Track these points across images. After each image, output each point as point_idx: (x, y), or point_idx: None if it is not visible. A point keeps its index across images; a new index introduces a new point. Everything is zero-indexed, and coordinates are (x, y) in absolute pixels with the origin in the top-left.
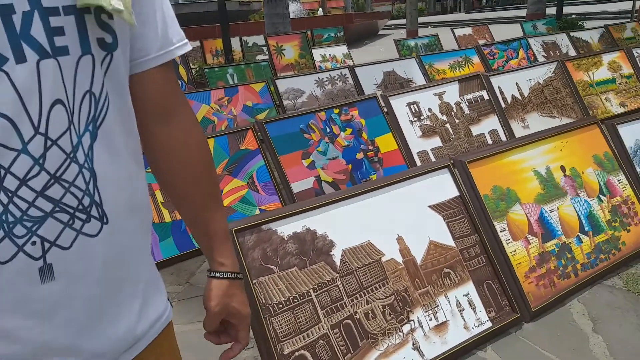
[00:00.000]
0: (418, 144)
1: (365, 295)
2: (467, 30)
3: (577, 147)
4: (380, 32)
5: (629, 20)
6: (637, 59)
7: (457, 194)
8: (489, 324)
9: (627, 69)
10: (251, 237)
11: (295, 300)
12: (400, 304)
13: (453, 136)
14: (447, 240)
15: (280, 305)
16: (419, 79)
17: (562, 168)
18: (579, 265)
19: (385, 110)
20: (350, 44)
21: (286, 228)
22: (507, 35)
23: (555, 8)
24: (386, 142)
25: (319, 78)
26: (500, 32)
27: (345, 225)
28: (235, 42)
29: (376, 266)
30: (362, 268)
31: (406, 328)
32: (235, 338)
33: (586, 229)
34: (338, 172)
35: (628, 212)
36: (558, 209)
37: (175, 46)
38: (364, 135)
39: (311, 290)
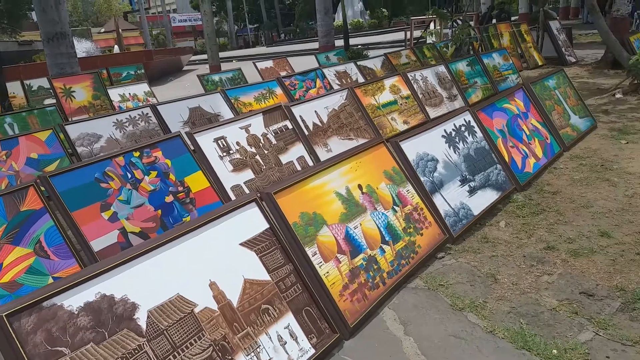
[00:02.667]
0: (230, 178)
1: (179, 354)
2: (269, 63)
3: (369, 166)
4: (185, 68)
5: (404, 47)
6: (412, 82)
7: (267, 226)
8: (312, 351)
9: (405, 91)
10: (29, 319)
11: None
12: (220, 355)
13: (264, 167)
14: (262, 275)
15: None
16: (227, 113)
17: (360, 186)
18: (385, 274)
19: (192, 148)
20: (153, 82)
21: (75, 300)
22: (305, 66)
23: (342, 40)
24: (197, 181)
25: (117, 119)
26: (299, 63)
27: (149, 282)
28: (15, 87)
29: (189, 320)
30: (173, 325)
31: None
32: None
33: (387, 239)
34: (146, 220)
35: (419, 217)
36: (361, 224)
37: None
38: (172, 177)
39: None
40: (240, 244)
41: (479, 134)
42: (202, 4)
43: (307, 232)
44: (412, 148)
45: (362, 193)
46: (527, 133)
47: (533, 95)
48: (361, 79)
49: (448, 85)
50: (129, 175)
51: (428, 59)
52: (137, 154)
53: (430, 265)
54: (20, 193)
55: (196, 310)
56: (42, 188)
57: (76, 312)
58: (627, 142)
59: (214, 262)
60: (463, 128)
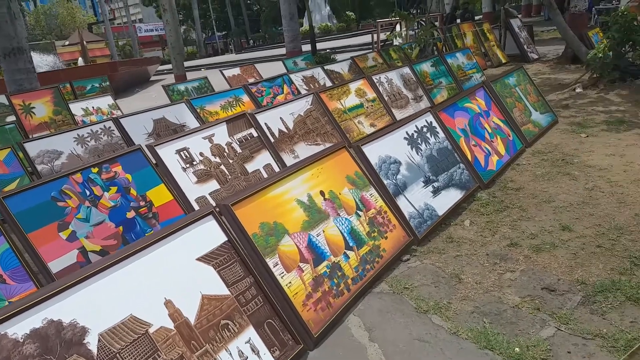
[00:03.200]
0: (195, 190)
1: None
2: (236, 71)
3: (331, 171)
4: (153, 78)
5: (371, 50)
6: (377, 84)
7: (226, 239)
8: None
9: (370, 94)
10: None
11: None
12: None
13: (230, 177)
14: (221, 289)
15: None
16: (193, 123)
17: (322, 193)
18: (350, 280)
19: (154, 161)
20: (119, 93)
21: (20, 327)
22: (273, 72)
23: (310, 45)
24: (159, 195)
25: (78, 135)
26: (267, 69)
27: (99, 304)
28: None
29: (143, 341)
30: (127, 348)
31: None
32: None
33: (351, 244)
34: (107, 237)
35: (383, 221)
36: (324, 231)
37: None
38: (133, 191)
39: None
40: (197, 259)
41: (441, 135)
42: (164, 14)
43: (268, 243)
44: (374, 151)
45: (325, 199)
46: (489, 131)
47: (494, 94)
48: (329, 83)
49: (413, 86)
50: (88, 193)
51: (394, 60)
52: (95, 169)
53: (395, 269)
54: None
55: (151, 330)
56: None
57: (21, 340)
58: (587, 136)
59: (170, 280)
60: (425, 129)
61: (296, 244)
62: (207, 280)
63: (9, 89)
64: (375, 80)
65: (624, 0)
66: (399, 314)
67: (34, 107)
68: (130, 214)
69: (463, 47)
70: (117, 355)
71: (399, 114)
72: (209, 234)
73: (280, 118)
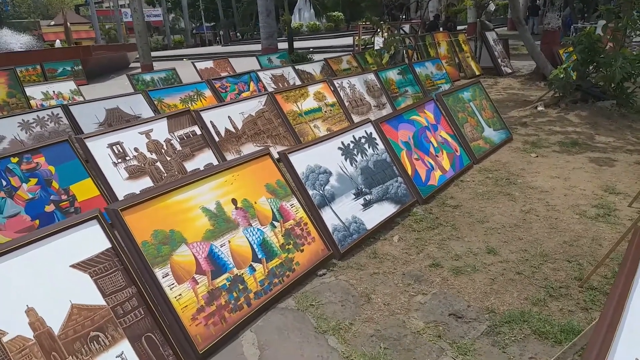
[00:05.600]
0: (125, 186)
1: None
2: (209, 64)
3: (249, 178)
4: (133, 64)
5: (351, 52)
6: (339, 89)
7: (109, 245)
8: None
9: (330, 98)
10: None
11: None
12: None
13: (165, 174)
14: (95, 299)
15: None
16: (149, 115)
17: (234, 201)
18: (252, 294)
19: (82, 154)
20: (94, 78)
21: None
22: (249, 67)
23: (287, 43)
24: (85, 189)
25: (23, 120)
26: (242, 64)
27: None
28: None
29: None
30: None
31: None
32: None
33: (259, 256)
34: (20, 230)
35: (301, 232)
36: (229, 242)
37: None
38: (55, 184)
39: None
40: (72, 266)
41: (381, 146)
42: (132, 2)
43: (160, 252)
44: (302, 160)
45: (236, 208)
46: (435, 145)
47: (445, 107)
48: (299, 84)
49: (377, 93)
50: (4, 183)
51: (369, 65)
52: (15, 159)
53: (308, 284)
54: None
55: (4, 339)
56: None
57: None
58: (537, 156)
59: (37, 286)
60: (363, 140)
61: (194, 254)
62: (80, 289)
63: None
64: (337, 85)
65: (601, 22)
66: (297, 333)
67: None
68: (49, 208)
69: (434, 57)
70: None
71: (358, 120)
72: (90, 240)
73: (229, 117)
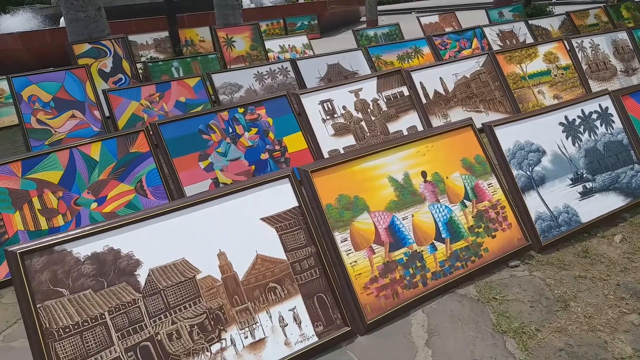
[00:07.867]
0: (330, 142)
1: (171, 315)
2: (434, 18)
3: (444, 151)
4: (364, 18)
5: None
6: (577, 49)
7: (296, 204)
8: (315, 339)
9: (564, 60)
10: (40, 259)
11: (86, 323)
12: (212, 323)
13: (368, 134)
14: (278, 253)
15: (67, 330)
16: (366, 72)
17: (424, 173)
18: (430, 274)
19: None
20: (326, 32)
21: (83, 248)
22: (477, 22)
23: None
24: (295, 142)
25: (257, 72)
26: (468, 19)
27: (158, 242)
28: (205, 32)
29: (188, 284)
30: (171, 287)
31: (215, 347)
32: None
33: (443, 235)
34: (239, 173)
35: (496, 217)
36: (413, 216)
37: None
38: (271, 135)
39: (106, 313)
40: (262, 219)
41: (617, 125)
42: None
43: (342, 216)
44: (511, 134)
45: (425, 181)
46: None
47: None
48: (530, 41)
49: (628, 56)
50: (230, 130)
51: (624, 20)
52: (241, 110)
53: (495, 273)
54: (132, 136)
55: (198, 276)
56: (152, 135)
57: (82, 260)
58: None
59: (229, 233)
60: (595, 115)
61: (375, 223)
62: (266, 241)
63: (217, 22)
64: (575, 44)
65: None
66: (471, 326)
67: (234, 41)
68: (265, 156)
69: None
70: (162, 292)
71: (597, 87)
72: (281, 196)
73: (440, 78)
